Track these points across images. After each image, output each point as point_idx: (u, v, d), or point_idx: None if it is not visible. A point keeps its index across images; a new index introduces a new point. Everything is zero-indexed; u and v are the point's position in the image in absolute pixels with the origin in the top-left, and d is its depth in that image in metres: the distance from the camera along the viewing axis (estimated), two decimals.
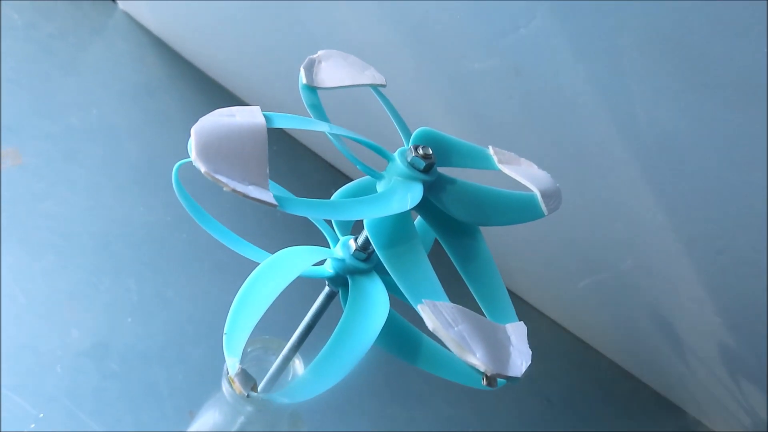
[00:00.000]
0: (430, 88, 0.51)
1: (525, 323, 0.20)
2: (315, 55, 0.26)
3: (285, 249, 0.23)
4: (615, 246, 0.49)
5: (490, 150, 0.26)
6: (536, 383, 0.58)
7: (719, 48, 0.36)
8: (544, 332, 0.62)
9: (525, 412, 0.56)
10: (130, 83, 0.69)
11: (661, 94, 0.38)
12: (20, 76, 0.65)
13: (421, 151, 0.21)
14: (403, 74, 0.51)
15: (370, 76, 0.26)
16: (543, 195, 0.24)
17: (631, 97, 0.39)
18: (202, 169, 0.16)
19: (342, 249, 0.24)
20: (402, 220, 0.20)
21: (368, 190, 0.25)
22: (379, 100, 0.26)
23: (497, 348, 0.18)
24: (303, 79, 0.25)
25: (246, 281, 0.21)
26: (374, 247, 0.20)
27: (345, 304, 0.24)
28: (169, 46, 0.74)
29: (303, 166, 0.69)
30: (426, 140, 0.24)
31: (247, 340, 0.20)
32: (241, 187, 0.17)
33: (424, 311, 0.18)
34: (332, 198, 0.24)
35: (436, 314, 0.17)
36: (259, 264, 0.22)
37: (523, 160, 0.27)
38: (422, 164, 0.21)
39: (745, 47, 0.35)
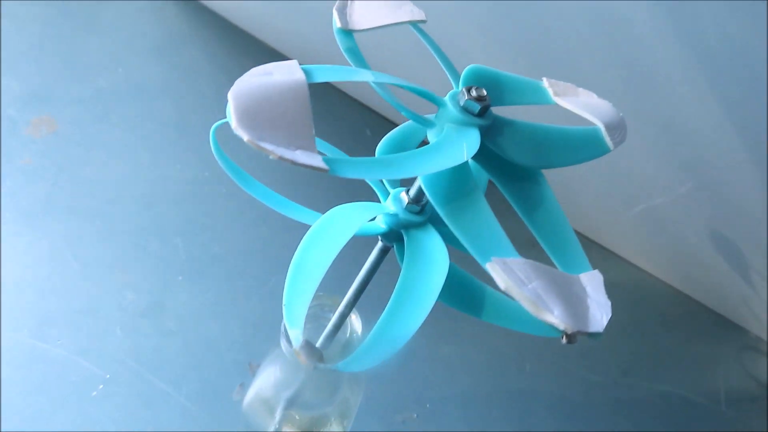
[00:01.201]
0: (469, 16, 0.48)
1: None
2: None
3: (334, 208, 0.21)
4: (675, 169, 0.46)
5: (545, 82, 0.24)
6: None
7: None
8: (595, 258, 0.61)
9: (578, 343, 0.55)
10: (152, 38, 0.68)
11: (731, 6, 0.34)
12: (44, 41, 0.64)
13: (474, 93, 0.19)
14: (438, 5, 0.48)
15: (407, 12, 0.24)
16: (607, 128, 0.22)
17: (698, 10, 0.35)
18: (245, 137, 0.15)
19: (394, 203, 0.22)
20: (460, 171, 0.19)
21: (414, 136, 0.23)
22: (421, 38, 0.24)
23: (575, 303, 0.17)
24: (337, 22, 0.23)
25: (299, 247, 0.20)
26: (433, 203, 0.18)
27: (401, 260, 0.23)
28: None
29: (333, 108, 0.67)
30: (476, 79, 0.22)
31: None
32: (288, 154, 0.15)
33: (494, 270, 0.16)
34: (377, 150, 0.23)
35: (507, 272, 0.16)
36: (309, 226, 0.21)
37: (581, 90, 0.25)
38: (477, 107, 0.19)
39: None
